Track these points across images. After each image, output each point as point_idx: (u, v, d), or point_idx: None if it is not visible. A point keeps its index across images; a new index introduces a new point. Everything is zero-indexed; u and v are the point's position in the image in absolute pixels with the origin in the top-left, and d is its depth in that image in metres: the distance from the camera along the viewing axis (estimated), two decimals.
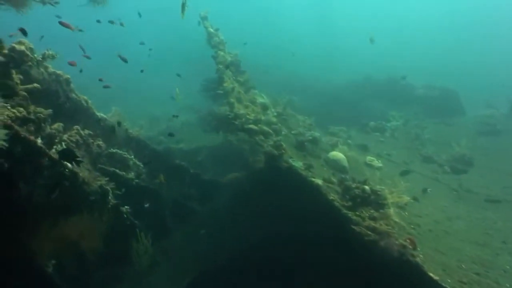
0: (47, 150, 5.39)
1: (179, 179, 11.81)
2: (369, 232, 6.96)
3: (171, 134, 12.15)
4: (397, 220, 7.67)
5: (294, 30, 45.99)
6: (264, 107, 11.45)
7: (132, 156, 10.09)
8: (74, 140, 7.30)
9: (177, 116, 12.58)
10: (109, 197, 7.47)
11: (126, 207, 8.73)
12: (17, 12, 6.39)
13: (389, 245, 6.67)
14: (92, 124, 8.72)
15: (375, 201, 7.75)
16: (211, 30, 11.16)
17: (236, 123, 9.45)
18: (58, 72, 7.73)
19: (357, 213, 7.53)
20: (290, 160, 8.93)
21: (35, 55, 6.13)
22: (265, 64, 25.44)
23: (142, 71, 11.55)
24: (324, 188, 8.15)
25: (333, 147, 11.80)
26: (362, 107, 20.18)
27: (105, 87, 9.84)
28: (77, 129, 7.58)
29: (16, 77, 5.52)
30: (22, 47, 5.33)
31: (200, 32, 11.81)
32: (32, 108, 5.63)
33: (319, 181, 8.32)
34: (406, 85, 22.10)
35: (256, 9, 51.79)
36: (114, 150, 8.75)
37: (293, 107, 17.17)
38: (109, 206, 7.67)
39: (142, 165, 10.12)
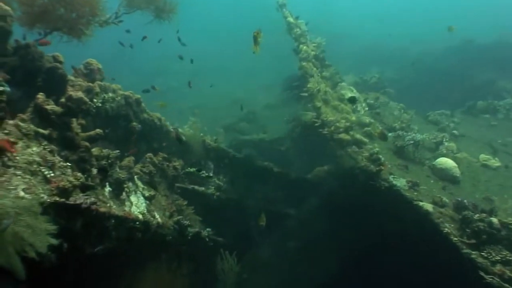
0: (115, 212, 4.72)
1: (263, 181, 10.99)
2: (505, 285, 5.49)
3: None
4: None
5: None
6: (354, 102, 9.95)
7: (212, 166, 9.43)
8: (147, 171, 6.66)
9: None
10: (188, 231, 6.81)
11: (207, 229, 8.11)
12: (78, 42, 5.67)
13: None
14: (167, 141, 8.09)
15: (507, 238, 6.18)
16: (291, 19, 9.75)
17: (325, 132, 8.19)
18: (127, 93, 7.07)
19: (483, 254, 6.06)
20: (391, 178, 7.54)
21: (98, 96, 5.48)
22: (340, 33, 23.16)
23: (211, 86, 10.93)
24: (435, 216, 6.71)
25: (438, 145, 10.01)
26: (465, 80, 17.43)
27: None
28: (150, 157, 6.94)
29: (76, 126, 4.84)
30: (79, 94, 4.57)
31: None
32: (94, 159, 4.96)
33: (429, 206, 6.87)
34: None
35: None
36: (191, 170, 8.06)
37: (382, 85, 15.26)
38: (189, 238, 7.05)
39: (223, 178, 9.45)
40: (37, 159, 4.05)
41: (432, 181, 8.25)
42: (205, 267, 8.51)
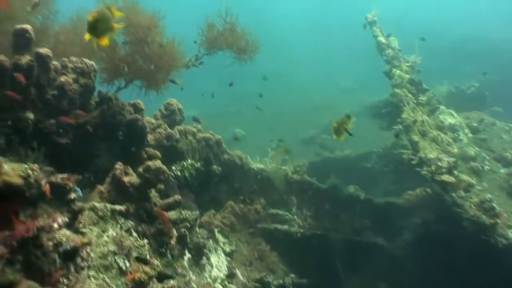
0: None
1: (349, 209, 10.17)
2: None
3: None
4: None
5: None
6: (455, 130, 8.69)
7: (295, 200, 8.85)
8: (228, 222, 6.26)
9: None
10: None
11: (291, 276, 7.56)
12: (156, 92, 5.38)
13: None
14: (248, 180, 7.65)
15: None
16: (382, 39, 8.67)
17: (424, 172, 7.15)
18: (207, 135, 6.72)
19: None
20: (510, 234, 6.33)
21: (178, 164, 5.17)
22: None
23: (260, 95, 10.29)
24: None
25: None
26: None
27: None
28: (231, 206, 6.55)
29: (154, 195, 4.52)
30: (157, 164, 4.22)
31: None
32: (173, 232, 4.62)
33: None
34: None
35: None
36: (274, 211, 7.55)
37: (482, 95, 13.29)
38: None
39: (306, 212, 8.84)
40: (112, 248, 3.76)
41: None
42: None
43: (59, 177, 2.98)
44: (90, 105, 5.35)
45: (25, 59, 4.38)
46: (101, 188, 4.34)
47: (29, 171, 2.77)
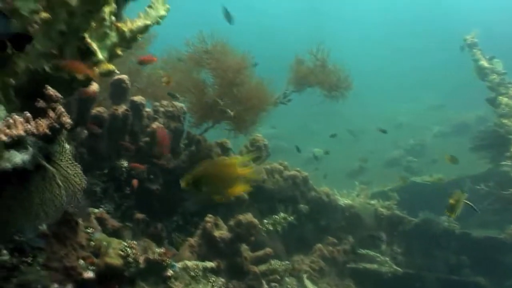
0: None
1: (442, 244, 9.27)
2: None
3: None
4: None
5: None
6: None
7: (384, 237, 8.22)
8: (317, 267, 5.89)
9: None
10: None
11: None
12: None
13: None
14: (336, 217, 7.23)
15: None
16: (485, 63, 7.75)
17: None
18: (294, 172, 6.44)
19: None
20: None
21: (269, 218, 4.96)
22: None
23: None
24: None
25: None
26: None
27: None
28: (320, 249, 6.18)
29: (245, 248, 4.31)
30: (249, 217, 4.02)
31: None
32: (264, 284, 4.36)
33: None
34: None
35: None
36: (364, 252, 7.04)
37: None
38: None
39: (397, 249, 8.16)
40: None
41: None
42: None
43: (156, 253, 2.85)
44: (179, 148, 5.35)
45: (121, 109, 4.44)
46: (191, 241, 4.24)
47: (128, 249, 2.66)
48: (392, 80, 23.00)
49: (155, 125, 4.83)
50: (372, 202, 7.96)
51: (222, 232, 4.26)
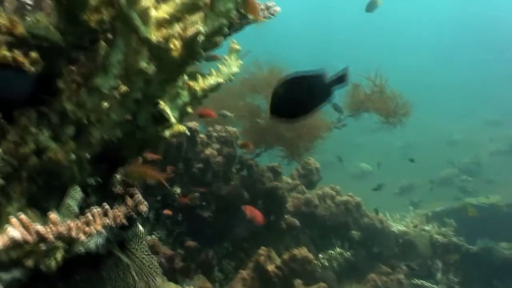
0: None
1: (503, 273, 8.67)
2: None
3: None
4: None
5: None
6: None
7: (440, 265, 7.78)
8: None
9: None
10: None
11: None
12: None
13: None
14: (389, 244, 6.92)
15: None
16: None
17: None
18: (346, 198, 6.23)
19: None
20: None
21: (325, 253, 4.78)
22: None
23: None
24: None
25: None
26: None
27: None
28: (373, 280, 5.88)
29: (298, 283, 4.16)
30: (304, 252, 3.88)
31: None
32: None
33: None
34: None
35: None
36: (419, 282, 6.67)
37: None
38: None
39: (453, 278, 7.69)
40: None
41: None
42: None
43: None
44: (231, 173, 5.29)
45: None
46: (244, 274, 4.14)
47: None
48: (444, 93, 21.97)
49: (208, 151, 4.80)
50: (427, 228, 7.55)
51: (275, 266, 4.13)
